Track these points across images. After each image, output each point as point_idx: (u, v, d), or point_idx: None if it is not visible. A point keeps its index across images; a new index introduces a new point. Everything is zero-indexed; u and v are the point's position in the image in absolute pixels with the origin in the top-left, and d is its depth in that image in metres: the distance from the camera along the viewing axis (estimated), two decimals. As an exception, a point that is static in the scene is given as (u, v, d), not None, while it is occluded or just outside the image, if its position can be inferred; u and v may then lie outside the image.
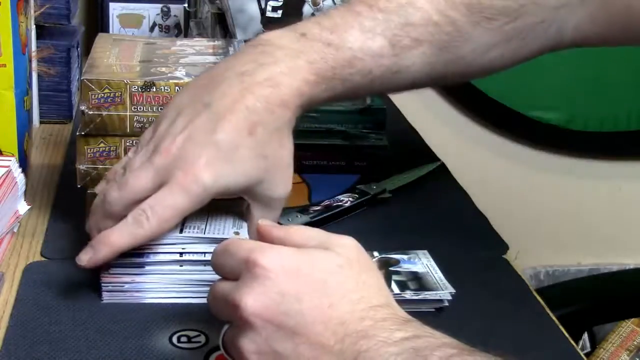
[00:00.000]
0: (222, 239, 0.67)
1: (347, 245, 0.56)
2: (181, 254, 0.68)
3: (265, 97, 0.65)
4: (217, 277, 0.59)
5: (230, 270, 0.56)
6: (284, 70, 0.66)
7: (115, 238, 0.64)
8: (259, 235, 0.58)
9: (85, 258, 0.64)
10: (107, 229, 0.64)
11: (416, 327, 0.52)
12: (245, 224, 0.70)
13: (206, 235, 0.68)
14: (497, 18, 0.72)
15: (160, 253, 0.67)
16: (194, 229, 0.68)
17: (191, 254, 0.68)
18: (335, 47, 0.68)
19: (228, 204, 0.70)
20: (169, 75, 0.75)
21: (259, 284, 0.53)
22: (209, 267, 0.70)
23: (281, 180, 0.68)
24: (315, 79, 0.67)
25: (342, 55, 0.68)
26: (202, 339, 0.65)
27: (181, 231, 0.68)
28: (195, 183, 0.63)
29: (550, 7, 0.73)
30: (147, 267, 0.68)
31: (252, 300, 0.52)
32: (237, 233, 0.69)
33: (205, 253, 0.68)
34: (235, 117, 0.64)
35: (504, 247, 0.83)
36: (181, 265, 0.68)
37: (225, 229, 0.69)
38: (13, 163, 0.77)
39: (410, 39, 0.70)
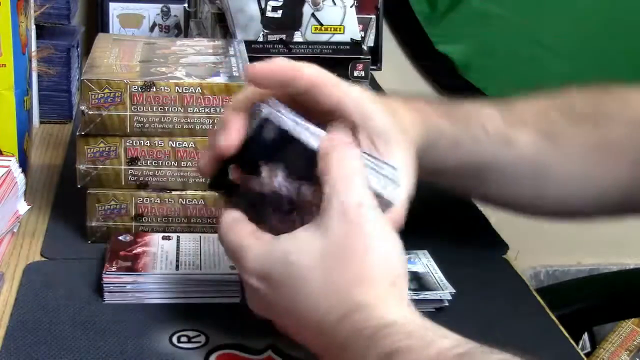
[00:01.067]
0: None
1: (341, 209, 0.55)
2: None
3: None
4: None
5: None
6: None
7: None
8: None
9: None
10: None
11: (393, 336, 0.51)
12: None
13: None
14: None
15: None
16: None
17: None
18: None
19: None
20: (169, 75, 0.75)
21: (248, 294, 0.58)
22: (208, 268, 0.70)
23: None
24: None
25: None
26: (202, 339, 0.65)
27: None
28: None
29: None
30: (149, 269, 0.69)
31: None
32: None
33: None
34: None
35: (504, 247, 0.83)
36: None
37: None
38: (13, 163, 0.77)
39: (519, 119, 0.73)
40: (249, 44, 0.93)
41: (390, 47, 1.65)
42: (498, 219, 0.89)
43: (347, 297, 0.53)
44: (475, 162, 0.72)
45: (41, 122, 1.09)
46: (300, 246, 0.54)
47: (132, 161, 0.75)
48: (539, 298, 0.75)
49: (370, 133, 0.61)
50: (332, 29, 1.02)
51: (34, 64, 1.03)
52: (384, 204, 0.57)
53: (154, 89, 0.74)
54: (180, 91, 0.74)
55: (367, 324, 0.52)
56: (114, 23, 1.32)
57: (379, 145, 0.61)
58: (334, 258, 0.54)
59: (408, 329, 0.51)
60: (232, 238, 0.57)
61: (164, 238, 0.74)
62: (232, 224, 0.58)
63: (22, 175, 0.78)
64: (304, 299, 0.54)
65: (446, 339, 0.51)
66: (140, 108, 0.74)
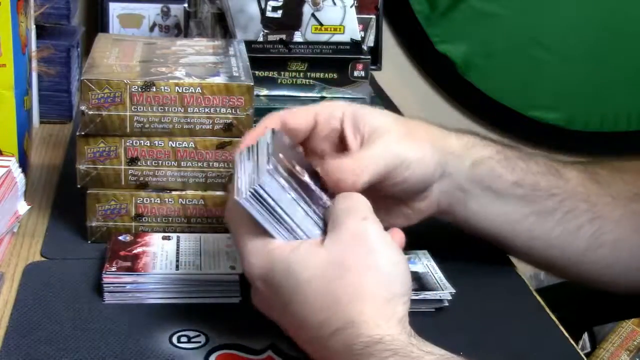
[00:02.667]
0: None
1: (347, 233, 0.57)
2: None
3: None
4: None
5: None
6: None
7: None
8: None
9: None
10: None
11: (380, 354, 0.52)
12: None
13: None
14: None
15: None
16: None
17: None
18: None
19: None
20: (169, 75, 0.75)
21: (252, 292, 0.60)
22: (208, 268, 0.70)
23: None
24: None
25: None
26: (202, 339, 0.65)
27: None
28: None
29: None
30: (149, 269, 0.69)
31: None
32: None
33: None
34: None
35: (504, 247, 0.83)
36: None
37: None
38: (13, 163, 0.77)
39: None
40: (249, 44, 0.93)
41: (390, 47, 1.65)
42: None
43: (339, 313, 0.54)
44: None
45: (41, 122, 1.09)
46: (302, 258, 0.56)
47: (132, 161, 0.75)
48: (539, 298, 0.75)
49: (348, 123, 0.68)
50: (332, 29, 1.02)
51: (34, 64, 1.03)
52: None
53: (154, 89, 0.74)
54: (180, 91, 0.74)
55: (356, 341, 0.53)
56: (114, 23, 1.32)
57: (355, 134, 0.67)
58: (330, 274, 0.55)
59: (394, 346, 0.52)
60: (238, 238, 0.59)
61: (164, 238, 0.74)
62: (239, 222, 0.59)
63: (22, 175, 0.77)
64: (300, 310, 0.56)
65: (431, 355, 0.52)
66: (140, 108, 0.74)
